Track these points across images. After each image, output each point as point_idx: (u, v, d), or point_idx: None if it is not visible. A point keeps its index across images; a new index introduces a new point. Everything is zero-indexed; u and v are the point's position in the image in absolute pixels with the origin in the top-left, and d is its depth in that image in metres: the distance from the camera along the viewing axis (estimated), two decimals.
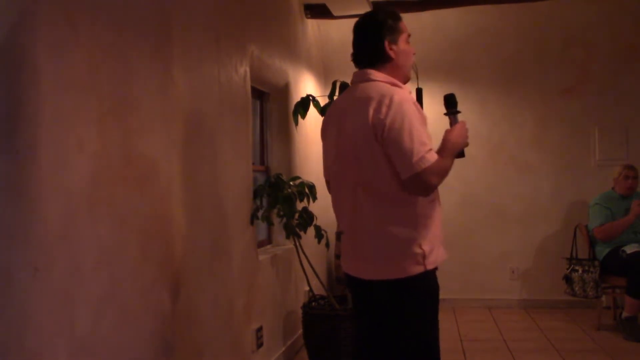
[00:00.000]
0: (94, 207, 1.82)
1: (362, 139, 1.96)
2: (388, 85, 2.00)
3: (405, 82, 2.11)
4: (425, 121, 1.99)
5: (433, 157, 1.89)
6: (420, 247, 1.95)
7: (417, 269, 1.95)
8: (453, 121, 2.13)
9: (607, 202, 4.61)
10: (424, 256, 1.95)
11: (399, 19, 2.10)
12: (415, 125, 1.89)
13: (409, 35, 2.12)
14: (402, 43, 2.08)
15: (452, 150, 2.01)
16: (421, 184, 1.88)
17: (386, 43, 2.04)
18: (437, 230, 2.04)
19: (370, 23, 2.09)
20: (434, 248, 1.99)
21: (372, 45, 2.06)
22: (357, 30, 2.12)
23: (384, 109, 1.91)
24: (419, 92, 2.43)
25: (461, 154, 2.09)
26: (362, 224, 2.02)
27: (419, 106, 1.99)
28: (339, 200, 2.13)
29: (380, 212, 1.98)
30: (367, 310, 2.13)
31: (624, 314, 4.29)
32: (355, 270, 2.10)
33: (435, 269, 2.03)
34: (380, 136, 1.92)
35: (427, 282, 2.00)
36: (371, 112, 1.93)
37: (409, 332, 2.01)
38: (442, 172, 1.92)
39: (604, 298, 4.74)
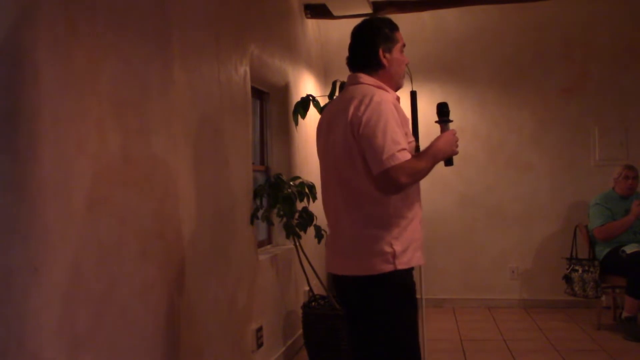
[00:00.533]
0: (94, 207, 1.82)
1: (342, 137, 2.02)
2: (373, 87, 2.06)
3: (396, 90, 2.17)
4: (407, 125, 2.04)
5: (404, 156, 1.90)
6: (390, 245, 1.97)
7: (387, 268, 1.97)
8: (443, 129, 2.17)
9: (607, 202, 4.61)
10: (394, 255, 1.97)
11: (395, 29, 2.17)
12: (390, 124, 1.92)
13: (404, 46, 2.18)
14: (396, 52, 2.14)
15: (433, 155, 2.02)
16: (389, 181, 1.90)
17: (380, 51, 2.11)
18: (416, 234, 2.05)
19: (367, 30, 2.15)
20: (408, 249, 2.01)
21: (367, 51, 2.12)
22: (354, 35, 2.18)
23: (362, 107, 1.97)
24: (413, 95, 2.45)
25: (449, 162, 2.13)
26: (340, 221, 2.07)
27: (401, 110, 2.04)
28: (326, 199, 2.19)
29: (356, 210, 2.02)
30: (344, 304, 2.18)
31: (624, 314, 4.29)
32: (332, 266, 2.15)
33: (410, 269, 2.03)
34: (357, 133, 1.96)
35: (398, 282, 2.00)
36: (351, 110, 1.99)
37: (378, 330, 2.02)
38: (413, 172, 1.92)
39: (604, 298, 4.74)
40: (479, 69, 5.44)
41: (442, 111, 2.20)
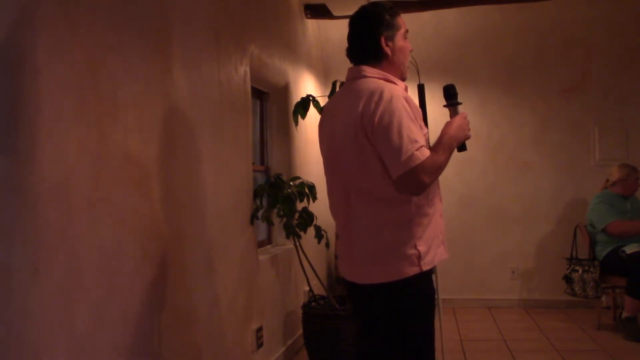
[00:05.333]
0: (94, 207, 1.82)
1: (352, 137, 1.90)
2: (380, 81, 1.93)
3: (402, 80, 2.04)
4: (420, 116, 1.91)
5: (424, 154, 1.80)
6: (415, 247, 1.89)
7: (412, 270, 1.89)
8: (453, 113, 2.05)
9: (609, 200, 4.60)
10: (419, 257, 1.89)
11: (396, 14, 2.02)
12: (404, 122, 1.81)
13: (407, 31, 2.05)
14: (399, 39, 2.01)
15: (448, 144, 1.91)
16: (411, 183, 1.80)
17: (382, 39, 1.97)
18: (437, 229, 1.98)
19: (367, 17, 2.01)
20: (431, 248, 1.93)
21: (368, 41, 1.99)
22: (353, 24, 2.04)
23: (372, 106, 1.84)
24: (421, 89, 2.33)
25: (463, 148, 2.01)
26: (354, 226, 1.96)
27: (412, 102, 1.91)
28: (333, 202, 2.09)
29: (373, 213, 1.91)
30: (362, 314, 2.07)
31: (624, 314, 4.29)
32: (350, 274, 2.04)
33: (431, 270, 1.97)
34: (370, 134, 1.85)
35: (423, 284, 1.95)
36: (360, 109, 1.87)
37: (404, 335, 1.96)
38: (434, 169, 1.82)
39: (604, 298, 4.74)
40: (480, 69, 5.44)
41: (450, 94, 2.06)
